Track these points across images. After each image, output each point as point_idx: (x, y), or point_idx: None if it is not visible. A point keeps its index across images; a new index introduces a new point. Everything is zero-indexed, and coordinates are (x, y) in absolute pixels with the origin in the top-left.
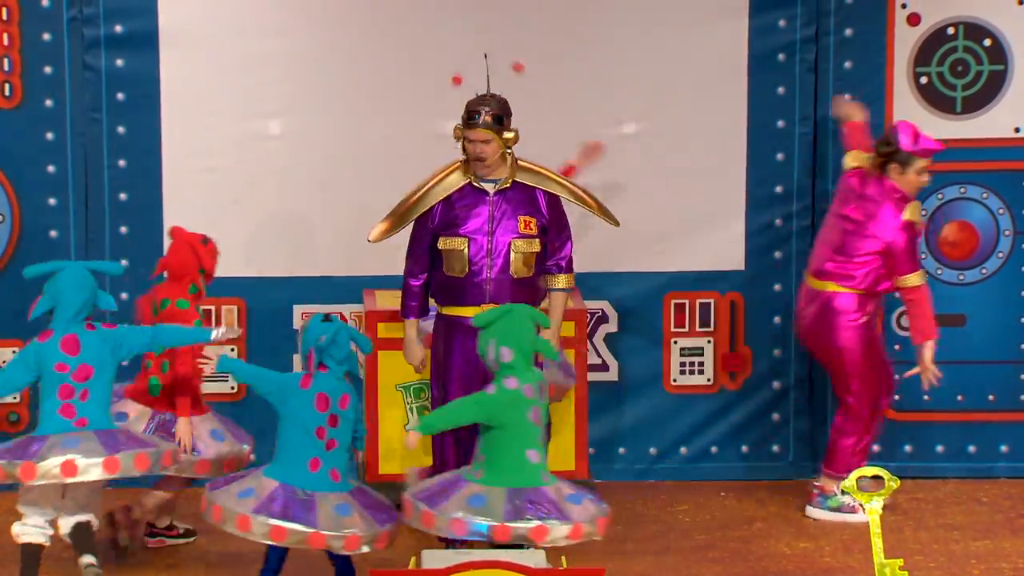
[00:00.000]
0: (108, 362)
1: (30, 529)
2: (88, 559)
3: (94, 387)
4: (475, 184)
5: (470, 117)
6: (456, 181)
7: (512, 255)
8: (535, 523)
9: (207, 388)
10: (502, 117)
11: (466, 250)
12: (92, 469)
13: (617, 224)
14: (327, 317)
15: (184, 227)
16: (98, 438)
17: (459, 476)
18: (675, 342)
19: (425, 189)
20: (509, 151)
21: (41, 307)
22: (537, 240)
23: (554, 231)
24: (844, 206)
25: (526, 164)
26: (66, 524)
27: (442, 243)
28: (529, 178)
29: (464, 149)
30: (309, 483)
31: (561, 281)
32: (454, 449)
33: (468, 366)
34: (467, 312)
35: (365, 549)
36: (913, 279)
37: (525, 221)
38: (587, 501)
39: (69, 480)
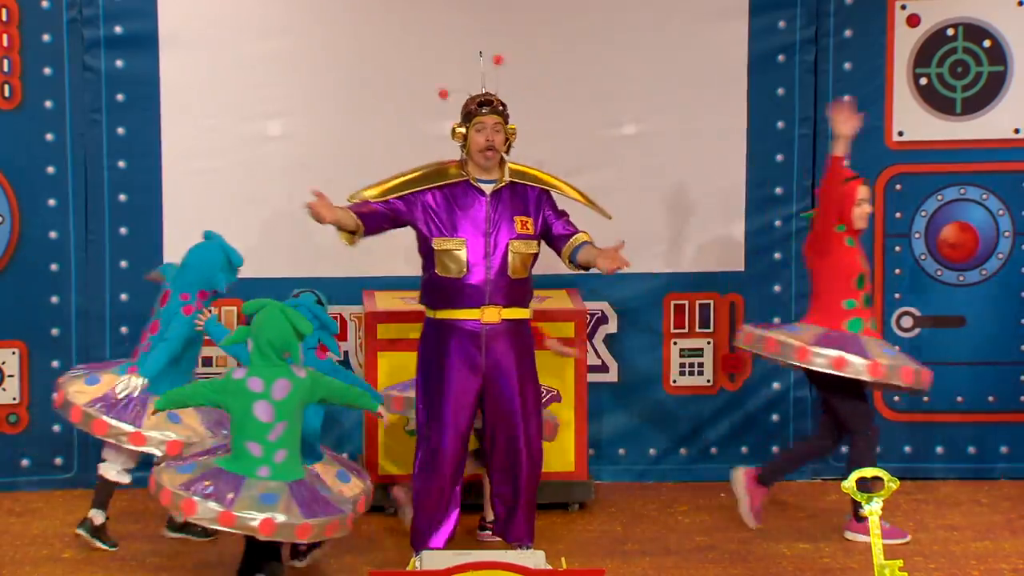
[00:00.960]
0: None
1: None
2: None
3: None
4: (473, 183)
5: (482, 104)
6: (452, 176)
7: (510, 256)
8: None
9: None
10: (507, 109)
11: (463, 251)
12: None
13: (609, 217)
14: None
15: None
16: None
17: (211, 457)
18: (675, 343)
19: (419, 172)
20: (504, 152)
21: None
22: (534, 241)
23: (554, 217)
24: None
25: (514, 165)
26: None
27: (437, 244)
28: (519, 177)
29: (468, 144)
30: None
31: (583, 236)
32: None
33: (463, 371)
34: (463, 315)
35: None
36: None
37: (522, 221)
38: (330, 502)
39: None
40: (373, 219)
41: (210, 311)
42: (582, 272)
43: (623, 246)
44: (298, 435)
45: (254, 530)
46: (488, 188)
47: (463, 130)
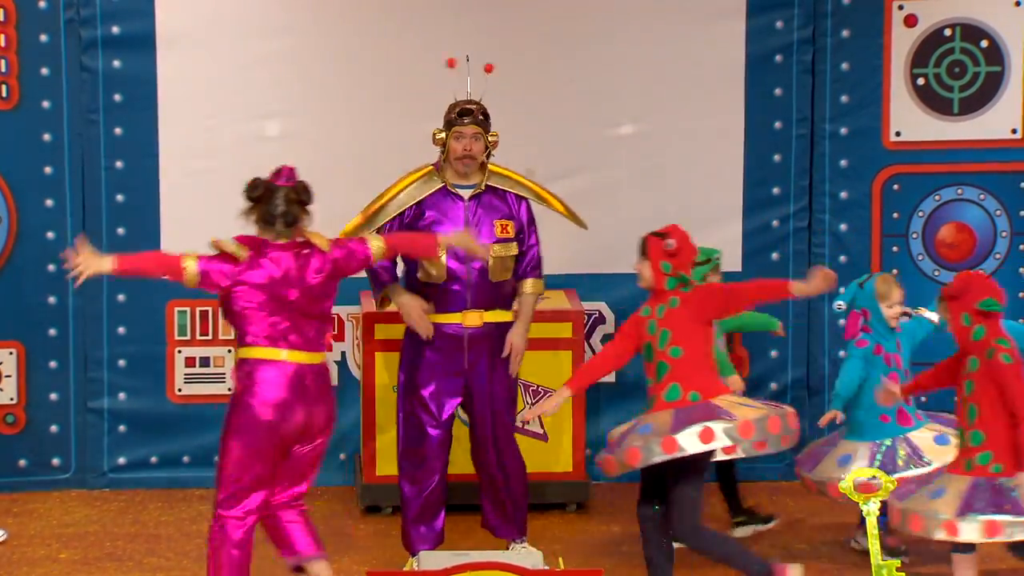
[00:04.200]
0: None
1: None
2: None
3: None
4: (450, 189)
5: (462, 114)
6: (429, 186)
7: (491, 260)
8: None
9: (206, 390)
10: (488, 118)
11: (443, 256)
12: None
13: (585, 227)
14: None
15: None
16: None
17: None
18: None
19: (396, 192)
20: (486, 156)
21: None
22: (514, 243)
23: (523, 235)
24: None
25: (495, 168)
26: None
27: None
28: (499, 182)
29: (447, 150)
30: None
31: (528, 286)
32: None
33: (445, 372)
34: (445, 319)
35: None
36: None
37: (501, 225)
38: None
39: None
40: (392, 271)
41: None
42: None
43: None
44: None
45: None
46: (466, 193)
47: (442, 136)
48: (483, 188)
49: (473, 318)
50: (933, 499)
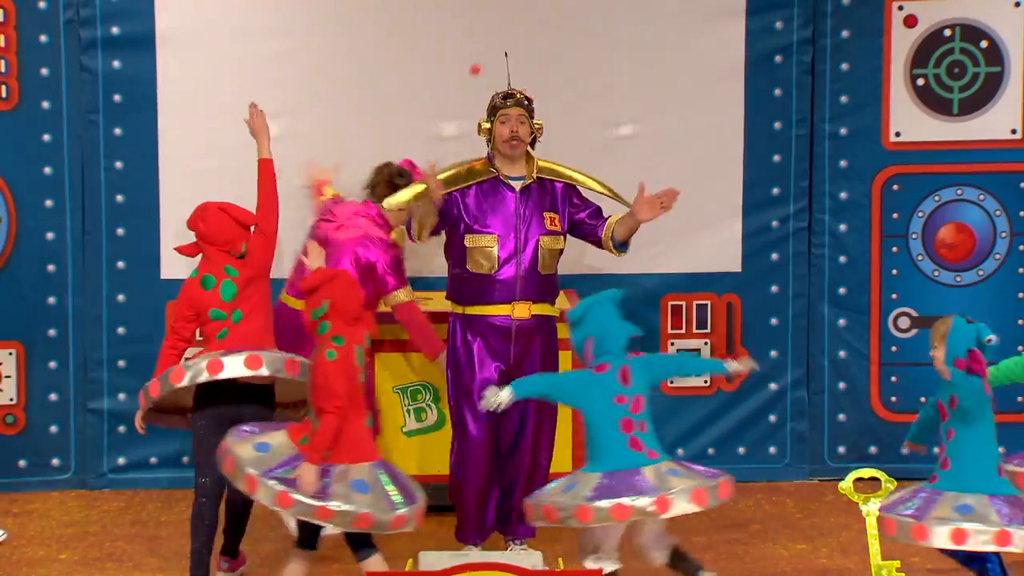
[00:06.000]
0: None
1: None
2: None
3: (648, 418)
4: (502, 179)
5: (505, 97)
6: (482, 174)
7: (540, 251)
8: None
9: None
10: (532, 104)
11: (495, 247)
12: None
13: (631, 207)
14: None
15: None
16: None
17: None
18: (672, 344)
19: (449, 172)
20: (530, 147)
21: (580, 337)
22: (561, 237)
23: (581, 207)
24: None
25: (542, 161)
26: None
27: (469, 240)
28: (547, 174)
29: (493, 138)
30: None
31: (615, 216)
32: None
33: (493, 364)
34: (494, 311)
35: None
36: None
37: (550, 218)
38: None
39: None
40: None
41: None
42: (622, 254)
43: (644, 190)
44: None
45: None
46: (517, 184)
47: (488, 124)
48: (532, 179)
49: (522, 310)
50: None
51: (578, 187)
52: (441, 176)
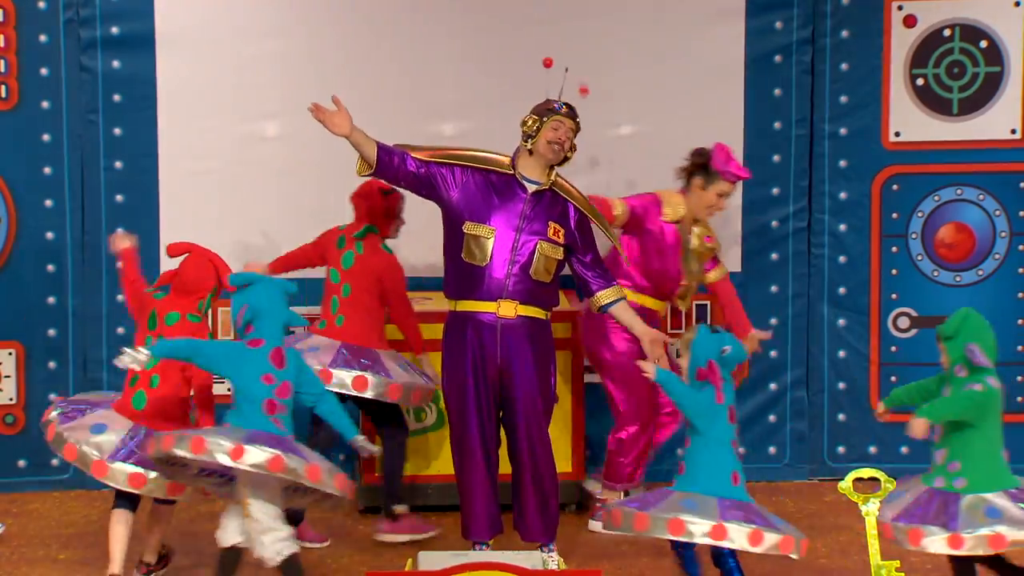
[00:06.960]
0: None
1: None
2: None
3: (289, 406)
4: (518, 179)
5: (567, 107)
6: (501, 166)
7: (536, 255)
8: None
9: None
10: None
11: (491, 241)
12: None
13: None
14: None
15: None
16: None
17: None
18: (671, 344)
19: (473, 154)
20: (559, 162)
21: (245, 315)
22: (561, 249)
23: (583, 248)
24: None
25: (562, 180)
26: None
27: (468, 227)
28: (564, 192)
29: (536, 137)
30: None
31: (611, 293)
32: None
33: (481, 361)
34: (480, 307)
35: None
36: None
37: (554, 228)
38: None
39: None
40: (392, 163)
41: None
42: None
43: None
44: None
45: None
46: (531, 187)
47: (536, 123)
48: (547, 188)
49: (507, 308)
50: None
51: (590, 223)
52: (460, 152)
